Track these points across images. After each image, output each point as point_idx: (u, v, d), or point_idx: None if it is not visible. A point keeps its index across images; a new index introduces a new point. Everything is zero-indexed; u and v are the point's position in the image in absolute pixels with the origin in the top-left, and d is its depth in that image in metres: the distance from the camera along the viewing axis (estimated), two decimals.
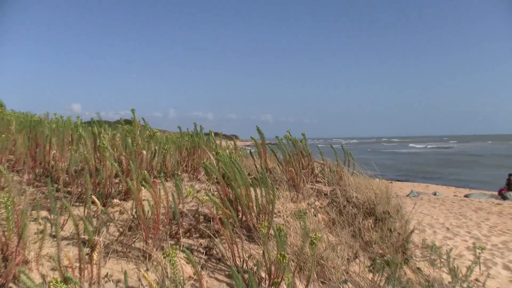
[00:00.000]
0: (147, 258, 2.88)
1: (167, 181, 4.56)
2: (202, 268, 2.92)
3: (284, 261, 2.48)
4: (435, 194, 21.63)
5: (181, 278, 2.48)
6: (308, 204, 4.40)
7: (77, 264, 2.50)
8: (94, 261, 2.47)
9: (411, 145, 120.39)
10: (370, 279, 3.85)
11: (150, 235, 3.03)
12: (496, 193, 21.76)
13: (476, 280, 5.93)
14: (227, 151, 5.03)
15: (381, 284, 3.81)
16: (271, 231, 2.79)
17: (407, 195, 20.37)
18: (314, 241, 2.55)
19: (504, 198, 20.44)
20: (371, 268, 3.95)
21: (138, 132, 4.69)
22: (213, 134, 5.51)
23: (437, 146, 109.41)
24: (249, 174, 4.23)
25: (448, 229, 11.52)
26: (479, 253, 5.37)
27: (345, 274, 3.51)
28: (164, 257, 2.16)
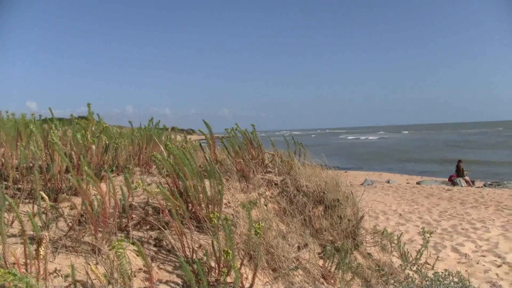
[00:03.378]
0: (97, 252, 2.87)
1: (119, 175, 4.53)
2: (152, 259, 2.93)
3: (228, 255, 2.51)
4: (388, 182, 22.07)
5: (130, 270, 2.49)
6: (258, 194, 4.45)
7: (24, 261, 2.48)
8: (41, 256, 2.45)
9: (365, 135, 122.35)
10: (321, 265, 3.94)
11: (99, 229, 3.02)
12: (446, 179, 22.34)
13: (426, 263, 6.10)
14: (177, 144, 5.03)
15: (332, 270, 3.90)
16: (228, 223, 2.82)
17: (362, 184, 20.71)
18: (257, 230, 2.60)
19: (454, 184, 21.03)
20: (321, 254, 4.03)
21: (92, 127, 4.64)
22: (166, 128, 5.51)
23: (389, 136, 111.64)
24: (200, 167, 4.25)
25: (400, 215, 11.79)
26: (428, 237, 5.54)
27: (295, 261, 3.57)
28: (110, 250, 2.16)
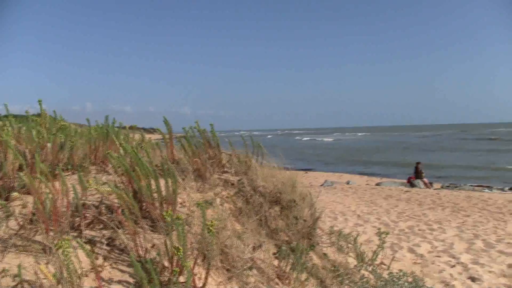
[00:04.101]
0: (48, 251, 2.85)
1: (74, 174, 4.49)
2: (105, 259, 2.93)
3: (179, 252, 2.53)
4: (348, 183, 22.35)
5: (80, 269, 2.48)
6: (214, 194, 4.47)
7: None
8: None
9: (321, 136, 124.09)
10: (276, 265, 3.98)
11: (50, 228, 3.00)
12: (405, 181, 22.76)
13: (382, 263, 6.21)
14: (134, 142, 5.01)
15: (287, 270, 3.94)
16: (180, 222, 2.82)
17: (322, 185, 20.91)
18: (210, 228, 2.62)
19: (412, 185, 21.44)
20: (277, 255, 4.07)
21: (47, 125, 4.58)
22: (123, 126, 5.47)
23: (343, 137, 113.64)
24: (156, 166, 4.24)
25: (359, 216, 11.97)
26: (384, 238, 5.65)
27: (250, 261, 3.60)
28: (56, 249, 2.15)
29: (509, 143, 62.57)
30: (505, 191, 21.25)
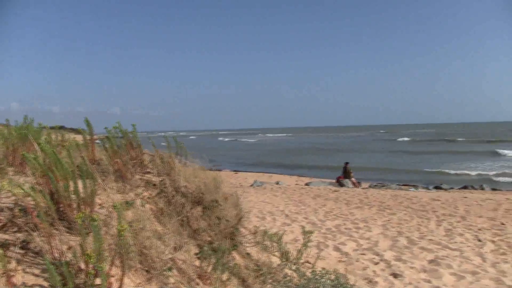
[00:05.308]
0: None
1: None
2: (18, 262, 2.89)
3: (91, 257, 2.55)
4: (278, 183, 22.60)
5: None
6: (136, 194, 4.47)
7: None
8: None
9: (244, 137, 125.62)
10: (198, 265, 4.03)
11: None
12: (334, 180, 23.27)
13: (307, 262, 6.36)
14: (54, 143, 4.94)
15: (208, 270, 4.00)
16: (95, 223, 2.82)
17: (251, 185, 21.06)
18: (121, 232, 2.65)
19: (341, 185, 21.97)
20: (199, 255, 4.12)
21: None
22: (44, 126, 5.38)
23: (267, 138, 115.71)
24: (77, 167, 4.20)
25: (287, 215, 12.14)
26: (308, 237, 5.79)
27: (170, 262, 3.64)
28: None
29: (417, 144, 65.76)
30: (430, 189, 22.10)
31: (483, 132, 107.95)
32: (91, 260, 2.55)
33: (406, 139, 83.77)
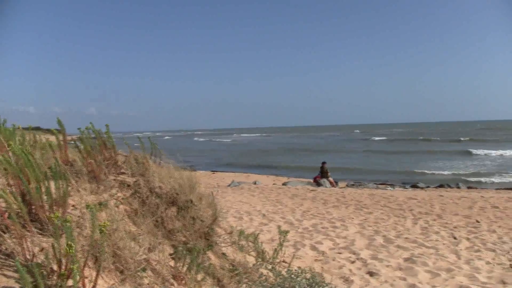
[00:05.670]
0: None
1: None
2: None
3: (63, 260, 2.54)
4: (255, 183, 22.62)
5: None
6: (110, 195, 4.46)
7: None
8: None
9: (219, 137, 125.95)
10: (172, 266, 4.03)
11: None
12: (311, 180, 23.37)
13: (283, 261, 6.39)
14: (25, 143, 4.90)
15: (183, 270, 4.01)
16: (67, 224, 2.81)
17: (229, 185, 21.05)
18: (102, 230, 2.64)
19: (318, 185, 22.07)
20: (173, 255, 4.13)
21: None
22: (17, 127, 5.32)
23: (241, 138, 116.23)
24: (49, 168, 4.18)
25: (264, 215, 12.17)
26: (284, 236, 5.83)
27: (145, 262, 3.64)
28: None
29: (392, 144, 66.64)
30: (407, 188, 22.32)
31: (457, 131, 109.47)
32: (63, 261, 2.55)
33: (380, 138, 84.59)
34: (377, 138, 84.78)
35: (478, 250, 8.48)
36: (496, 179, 27.02)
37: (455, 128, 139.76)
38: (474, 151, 45.84)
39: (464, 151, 47.01)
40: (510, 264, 7.51)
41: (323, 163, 23.64)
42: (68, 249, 2.55)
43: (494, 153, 44.15)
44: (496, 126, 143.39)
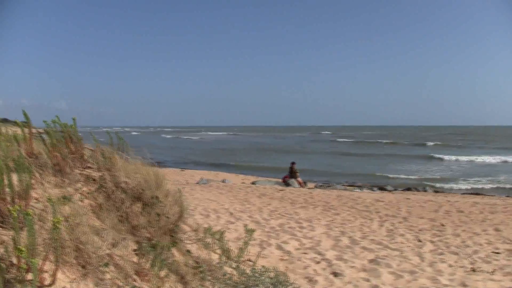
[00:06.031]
0: None
1: None
2: None
3: (22, 252, 2.52)
4: (224, 181, 22.60)
5: None
6: (75, 189, 4.42)
7: None
8: None
9: (187, 134, 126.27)
10: (136, 262, 4.02)
11: None
12: (280, 180, 23.46)
13: (249, 260, 6.41)
14: None
15: (146, 266, 3.99)
16: (29, 217, 2.79)
17: (197, 183, 20.99)
18: (57, 225, 2.63)
19: (287, 184, 22.17)
20: (137, 251, 4.12)
21: None
22: None
23: (208, 136, 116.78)
24: (13, 160, 4.13)
25: (231, 214, 12.15)
26: (250, 235, 5.84)
27: (108, 257, 3.62)
28: None
29: (357, 146, 67.54)
30: (374, 190, 22.55)
31: (424, 135, 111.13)
32: (23, 254, 2.52)
33: (347, 140, 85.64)
34: (342, 140, 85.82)
35: (442, 253, 8.61)
36: (458, 185, 27.32)
37: (421, 132, 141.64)
38: (437, 156, 46.77)
39: (427, 156, 47.86)
40: (472, 268, 7.65)
41: (292, 163, 23.74)
42: (19, 252, 2.53)
43: (457, 158, 44.89)
44: (463, 131, 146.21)
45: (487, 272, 7.41)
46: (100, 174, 4.92)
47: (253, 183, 22.54)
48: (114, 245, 3.91)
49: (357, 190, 22.10)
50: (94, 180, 4.83)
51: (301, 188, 20.92)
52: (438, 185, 26.57)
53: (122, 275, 3.65)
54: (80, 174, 4.81)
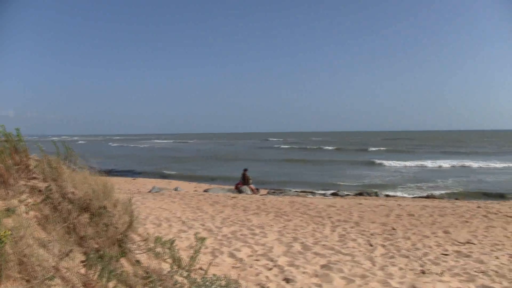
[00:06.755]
0: None
1: None
2: None
3: None
4: (176, 189, 22.51)
5: None
6: (19, 201, 4.33)
7: None
8: None
9: (134, 143, 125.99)
10: (83, 273, 3.95)
11: None
12: (233, 187, 23.50)
13: (200, 268, 6.39)
14: None
15: (94, 277, 3.93)
16: None
17: (149, 191, 20.85)
18: (2, 239, 2.58)
19: (240, 191, 22.22)
20: (85, 263, 4.05)
21: None
22: None
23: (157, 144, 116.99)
24: None
25: (183, 222, 12.11)
26: (201, 243, 5.82)
27: (53, 270, 3.55)
28: None
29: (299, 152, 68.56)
30: (327, 196, 22.80)
31: (361, 141, 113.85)
32: None
33: (294, 147, 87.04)
34: (290, 147, 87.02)
35: (393, 257, 8.79)
36: (407, 190, 27.71)
37: (366, 138, 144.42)
38: (378, 161, 48.06)
39: (368, 161, 49.04)
40: (421, 270, 7.83)
41: (245, 170, 23.84)
42: None
43: (399, 163, 45.89)
44: (409, 136, 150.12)
45: (436, 274, 7.60)
46: (46, 185, 4.83)
47: (205, 190, 22.51)
48: (60, 257, 3.84)
49: (309, 196, 22.31)
50: (39, 191, 4.73)
51: (253, 195, 20.98)
52: (386, 192, 26.96)
53: (69, 287, 3.59)
54: (25, 185, 4.71)
